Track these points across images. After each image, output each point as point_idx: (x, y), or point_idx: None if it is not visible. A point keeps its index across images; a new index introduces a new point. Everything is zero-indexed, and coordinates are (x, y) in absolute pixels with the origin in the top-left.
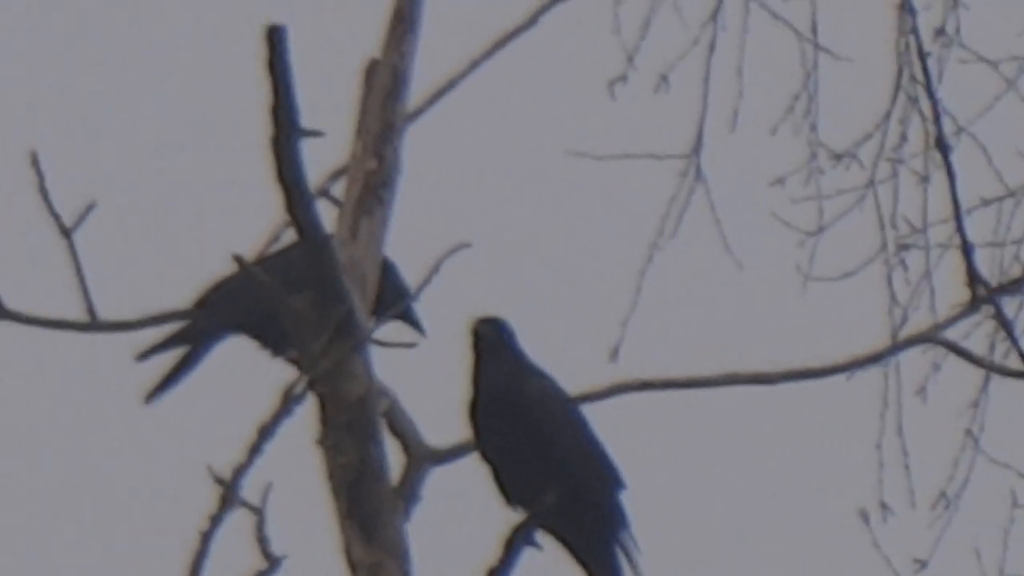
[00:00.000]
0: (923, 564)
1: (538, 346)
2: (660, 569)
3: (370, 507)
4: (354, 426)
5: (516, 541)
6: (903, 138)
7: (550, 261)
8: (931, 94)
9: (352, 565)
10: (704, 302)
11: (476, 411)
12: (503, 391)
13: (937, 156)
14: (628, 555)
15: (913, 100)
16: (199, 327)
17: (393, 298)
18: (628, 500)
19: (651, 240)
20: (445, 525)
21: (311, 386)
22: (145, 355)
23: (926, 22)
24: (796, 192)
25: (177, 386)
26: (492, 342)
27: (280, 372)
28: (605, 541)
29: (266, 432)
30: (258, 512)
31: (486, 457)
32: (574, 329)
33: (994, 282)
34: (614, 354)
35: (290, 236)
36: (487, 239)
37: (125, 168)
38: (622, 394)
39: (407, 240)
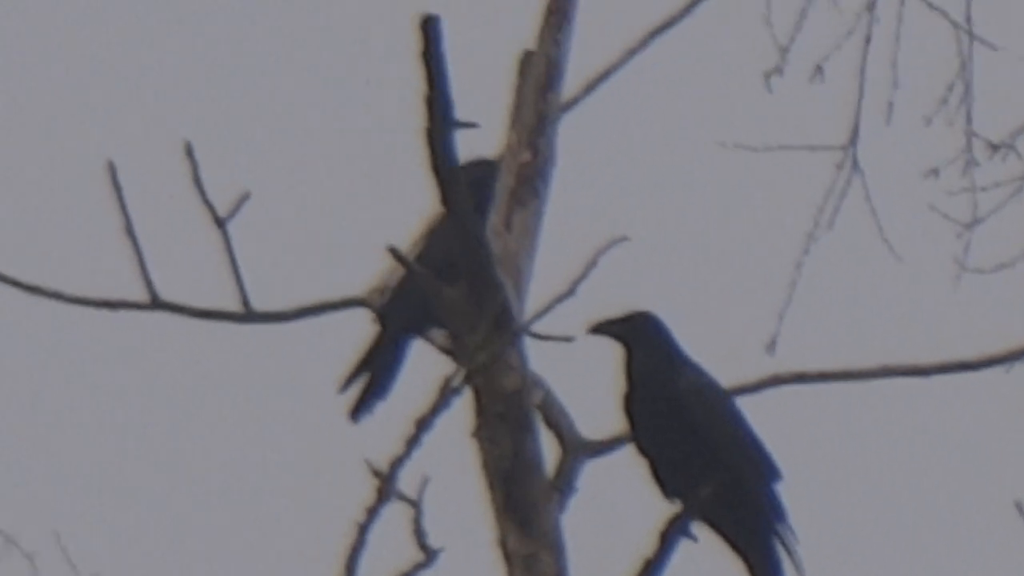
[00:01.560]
0: None
1: (695, 339)
2: (818, 561)
3: (525, 499)
4: (509, 418)
5: (672, 533)
6: None
7: (706, 254)
8: None
9: (507, 557)
10: (860, 294)
11: (631, 403)
12: (657, 383)
13: None
14: (786, 546)
15: None
16: (386, 341)
17: None
18: (785, 492)
19: (808, 232)
20: (600, 517)
21: (467, 378)
22: (346, 384)
23: None
24: (952, 183)
25: (381, 401)
26: (646, 335)
27: (437, 365)
28: (762, 533)
29: (423, 425)
30: (415, 505)
31: (641, 449)
32: (731, 322)
33: None
34: (771, 346)
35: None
36: (643, 232)
37: (279, 158)
38: (777, 386)
39: (561, 233)
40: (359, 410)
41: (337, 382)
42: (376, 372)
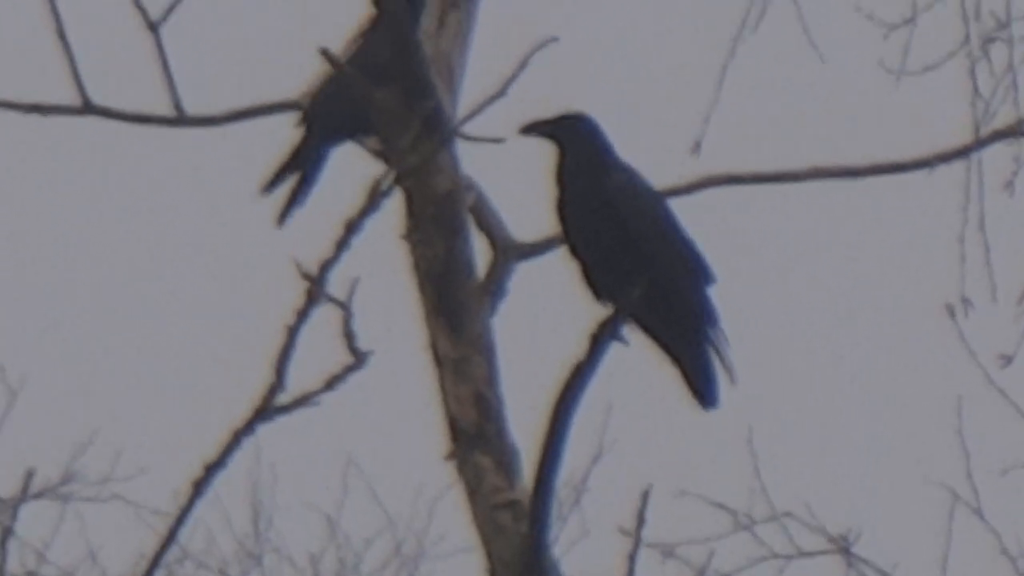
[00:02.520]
0: (1009, 359)
1: (622, 141)
2: (748, 364)
3: (456, 301)
4: (441, 220)
5: (603, 336)
6: None
7: (633, 56)
8: None
9: (438, 359)
10: (788, 96)
11: (562, 205)
12: (589, 184)
13: None
14: (717, 349)
15: None
16: (310, 144)
17: None
18: (717, 294)
19: (734, 33)
20: (531, 320)
21: (398, 180)
22: (269, 186)
23: None
24: None
25: (304, 204)
26: (578, 136)
27: (367, 167)
28: (694, 335)
29: (353, 227)
30: (345, 307)
31: (573, 251)
32: (657, 123)
33: None
34: (696, 148)
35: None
36: (573, 32)
37: None
38: (709, 188)
39: (493, 33)
40: (285, 214)
41: (259, 185)
42: (299, 177)
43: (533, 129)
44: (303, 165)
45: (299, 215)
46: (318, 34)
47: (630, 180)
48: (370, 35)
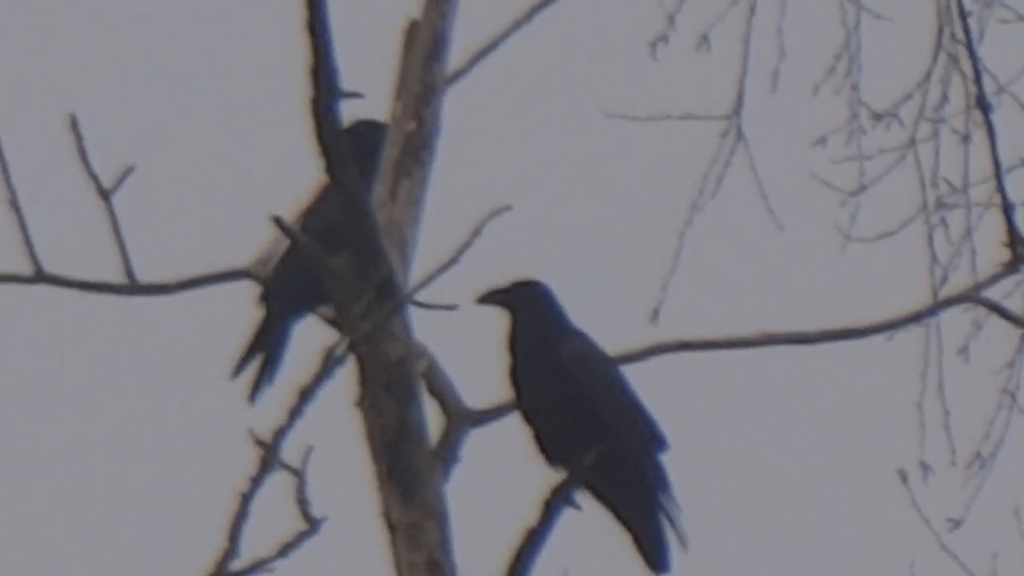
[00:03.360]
0: (958, 523)
1: (579, 308)
2: (701, 531)
3: (409, 468)
4: (393, 387)
5: (555, 502)
6: (944, 98)
7: (590, 223)
8: (972, 53)
9: (391, 526)
10: (745, 263)
11: (515, 371)
12: (542, 351)
13: (978, 115)
14: (669, 515)
15: (954, 59)
16: (273, 322)
17: None
18: (669, 461)
19: (691, 201)
20: (484, 486)
21: (351, 347)
22: (238, 369)
23: None
24: (837, 152)
25: (273, 382)
26: (533, 303)
27: (320, 334)
28: (646, 502)
29: (306, 394)
30: (298, 474)
31: (526, 417)
32: (614, 291)
33: None
34: (654, 315)
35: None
36: (528, 201)
37: (163, 130)
38: (661, 354)
39: (446, 202)
40: (255, 392)
41: (229, 367)
42: (266, 355)
43: (488, 299)
44: (268, 343)
45: (268, 391)
46: (269, 201)
47: (583, 346)
48: (322, 202)
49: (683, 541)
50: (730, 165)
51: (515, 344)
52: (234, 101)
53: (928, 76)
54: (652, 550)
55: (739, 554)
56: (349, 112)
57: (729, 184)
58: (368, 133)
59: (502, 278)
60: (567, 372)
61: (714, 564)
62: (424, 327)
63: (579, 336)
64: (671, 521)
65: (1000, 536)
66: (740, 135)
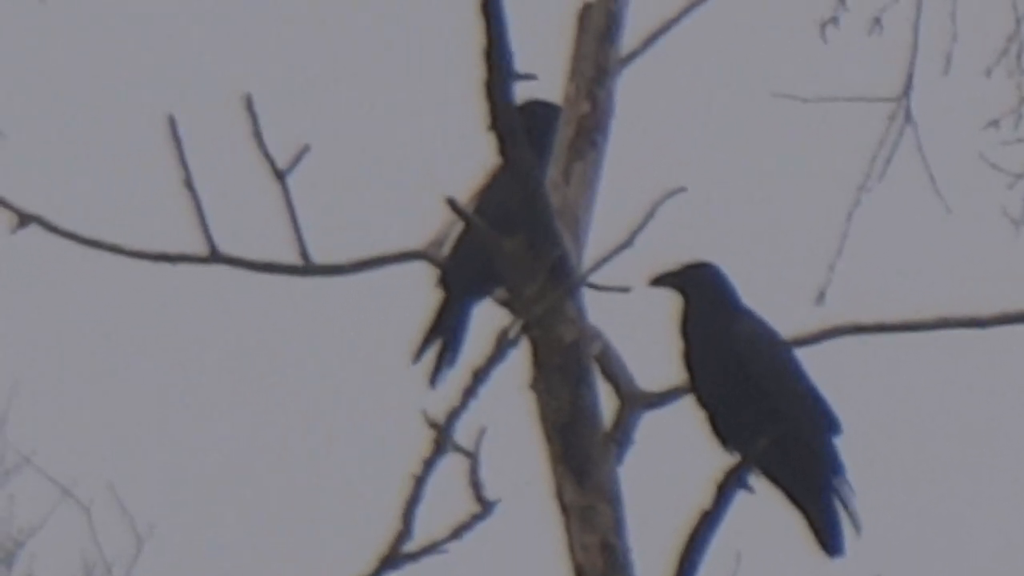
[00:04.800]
0: None
1: (749, 289)
2: (875, 515)
3: (582, 451)
4: (567, 370)
5: (729, 485)
6: None
7: (760, 204)
8: None
9: (564, 508)
10: (913, 245)
11: (689, 355)
12: (715, 334)
13: None
14: (843, 500)
15: None
16: (452, 305)
17: None
18: (844, 444)
19: (859, 183)
20: (657, 469)
21: (524, 330)
22: (419, 353)
23: None
24: (1006, 135)
25: (454, 364)
26: (705, 286)
27: (494, 316)
28: (820, 486)
29: (480, 376)
30: (472, 456)
31: (699, 401)
32: (782, 272)
33: None
34: (821, 297)
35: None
36: (700, 183)
37: (339, 110)
38: (836, 337)
39: (620, 184)
40: (435, 377)
41: (410, 353)
42: (446, 339)
43: (661, 281)
44: (448, 327)
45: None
46: (444, 182)
47: (757, 329)
48: (496, 184)
49: (857, 525)
50: (898, 147)
51: (688, 327)
52: (409, 82)
53: None
54: (825, 534)
55: (913, 540)
56: (523, 93)
57: (897, 166)
58: (542, 114)
59: (675, 260)
60: (741, 355)
61: (887, 548)
62: (597, 309)
63: (752, 318)
64: (845, 505)
65: None
66: (909, 117)
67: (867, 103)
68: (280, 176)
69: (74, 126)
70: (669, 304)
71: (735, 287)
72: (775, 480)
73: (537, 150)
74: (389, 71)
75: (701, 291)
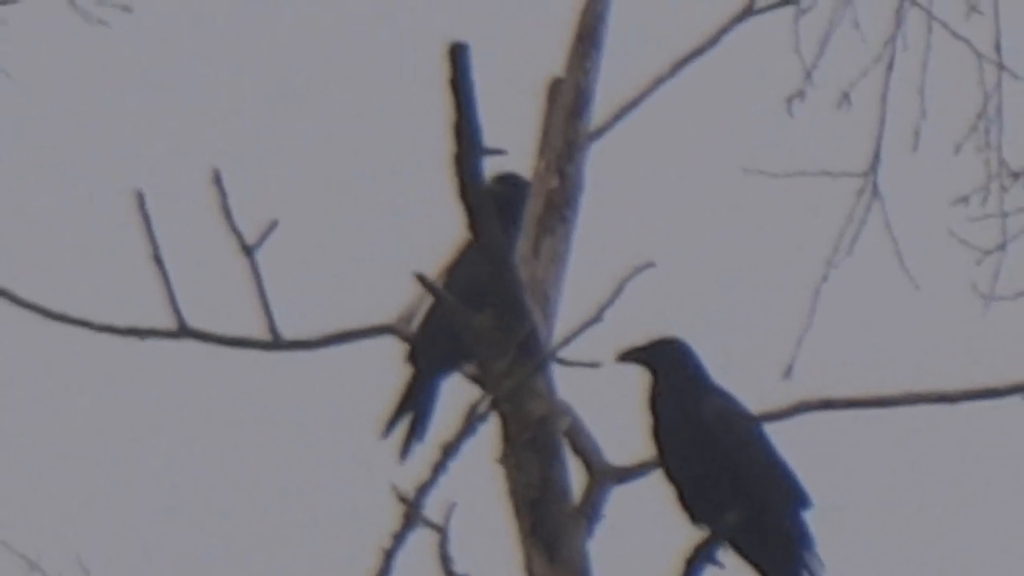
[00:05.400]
0: None
1: (716, 364)
2: None
3: (552, 525)
4: (536, 445)
5: (698, 559)
6: None
7: (729, 279)
8: None
9: None
10: (881, 321)
11: (658, 430)
12: (684, 409)
13: None
14: (812, 573)
15: None
16: (422, 380)
17: None
18: (813, 519)
19: (827, 257)
20: (627, 544)
21: (494, 405)
22: (388, 428)
23: None
24: (974, 211)
25: (423, 439)
26: (673, 361)
27: (464, 391)
28: (790, 560)
29: (450, 450)
30: (441, 530)
31: (668, 475)
32: (751, 347)
33: None
34: (789, 372)
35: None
36: (667, 258)
37: (306, 186)
38: (804, 413)
39: (589, 259)
40: (405, 451)
41: (380, 427)
42: (416, 413)
43: (628, 357)
44: (418, 401)
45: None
46: (413, 258)
47: (725, 404)
48: (465, 259)
49: None
50: (866, 222)
51: (656, 402)
52: (377, 157)
53: None
54: None
55: None
56: (493, 168)
57: (865, 241)
58: (511, 188)
59: (643, 336)
60: (710, 431)
61: None
62: (567, 385)
63: (721, 394)
64: None
65: None
66: (876, 192)
67: (835, 178)
68: (248, 251)
69: (41, 198)
70: (638, 379)
71: (703, 362)
72: (744, 555)
73: (507, 224)
74: (359, 145)
75: (669, 366)
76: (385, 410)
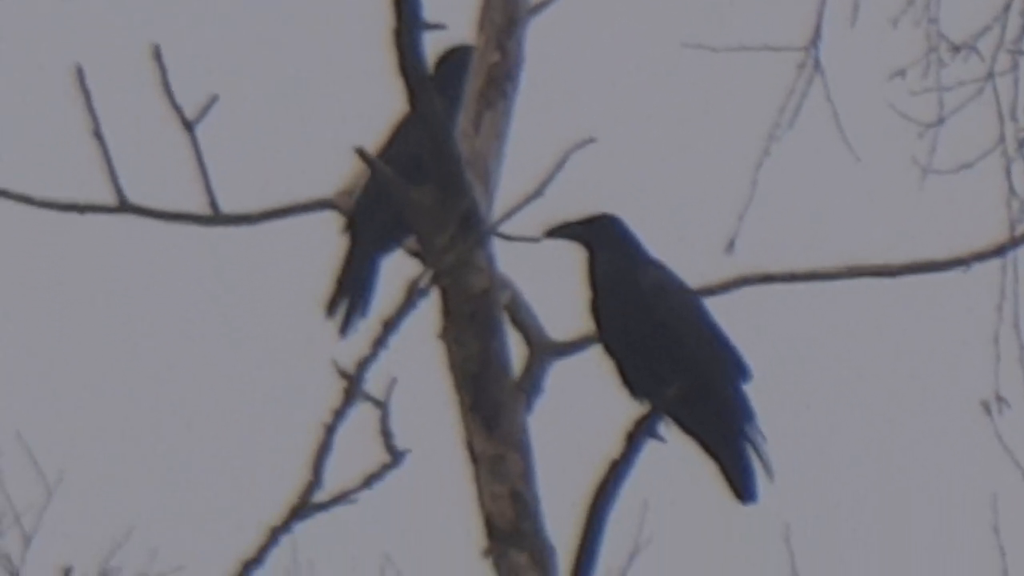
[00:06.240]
0: None
1: (658, 238)
2: (786, 460)
3: (492, 400)
4: (477, 319)
5: (639, 433)
6: (1023, 30)
7: (670, 153)
8: None
9: (474, 457)
10: (821, 195)
11: (596, 305)
12: (622, 284)
13: None
14: (754, 446)
15: None
16: (361, 254)
17: None
18: (753, 391)
19: (768, 132)
20: (567, 418)
21: (435, 279)
22: (331, 310)
23: None
24: (915, 84)
25: (366, 314)
26: (608, 237)
27: (404, 266)
28: (731, 432)
29: (390, 326)
30: (382, 406)
31: (608, 350)
32: (693, 221)
33: None
34: (730, 247)
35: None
36: (608, 133)
37: (247, 61)
38: (744, 287)
39: (530, 134)
40: (346, 327)
41: (321, 305)
42: (356, 289)
43: (561, 232)
44: (358, 277)
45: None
46: (353, 131)
47: (663, 278)
48: (405, 133)
49: (769, 471)
50: (807, 97)
51: (594, 277)
52: (317, 31)
53: (1007, 8)
54: (738, 480)
55: (823, 484)
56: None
57: (806, 116)
58: (452, 62)
59: (580, 211)
60: (648, 304)
61: (799, 494)
62: (507, 259)
63: (658, 268)
64: (756, 451)
65: None
66: (818, 67)
67: (776, 53)
68: (188, 126)
69: None
70: (578, 254)
71: (638, 238)
72: (686, 428)
73: (448, 99)
74: (298, 19)
75: (604, 242)
76: (326, 287)
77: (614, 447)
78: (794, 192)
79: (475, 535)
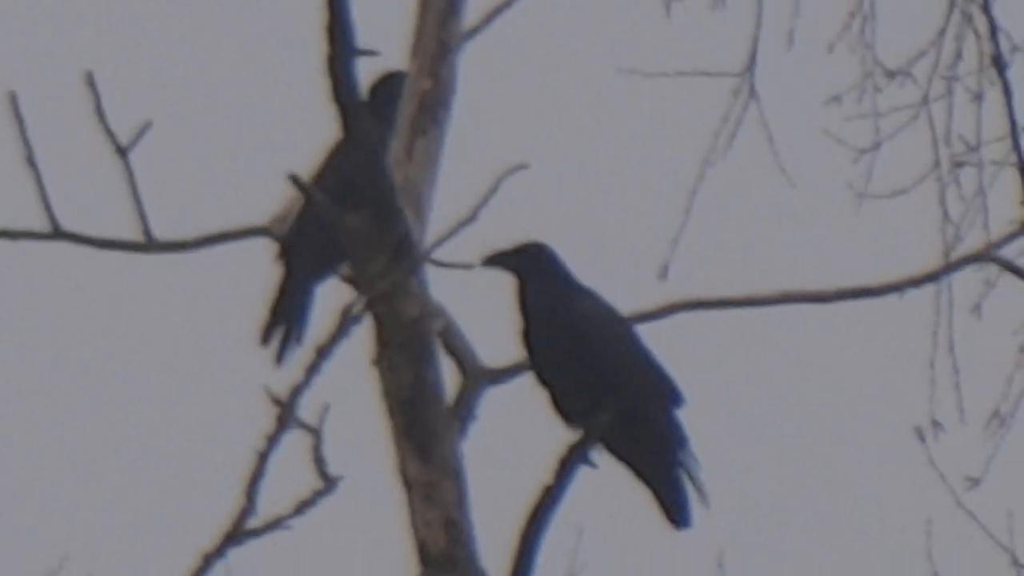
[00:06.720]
0: (976, 482)
1: (591, 264)
2: (720, 487)
3: (426, 426)
4: (410, 346)
5: (572, 460)
6: (958, 55)
7: (604, 179)
8: (987, 11)
9: (408, 484)
10: (756, 220)
11: (527, 333)
12: (552, 313)
13: (992, 73)
14: (688, 472)
15: (968, 17)
16: (295, 283)
17: None
18: (687, 417)
19: (703, 158)
20: (500, 445)
21: (368, 306)
22: (265, 338)
23: None
24: (850, 110)
25: (301, 343)
26: (538, 266)
27: (338, 293)
28: (664, 459)
29: (323, 352)
30: (315, 432)
31: (540, 378)
32: (625, 247)
33: None
34: (663, 273)
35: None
36: (542, 159)
37: (180, 88)
38: (677, 313)
39: (463, 160)
40: (281, 354)
41: (256, 332)
42: (290, 316)
43: (493, 261)
44: (292, 304)
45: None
46: (287, 158)
47: (595, 305)
48: (338, 159)
49: (703, 497)
50: (742, 122)
51: (525, 306)
52: (251, 57)
53: (942, 34)
54: (672, 506)
55: (758, 510)
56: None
57: (741, 142)
58: (385, 88)
59: (511, 239)
60: (580, 331)
61: (734, 520)
62: (440, 286)
63: (590, 295)
64: (690, 477)
65: (1018, 495)
66: (753, 92)
67: (711, 78)
68: (122, 152)
69: None
70: (510, 281)
71: (567, 266)
72: (619, 454)
73: (381, 125)
74: (233, 46)
75: (534, 270)
76: (260, 314)
77: (547, 473)
78: (729, 218)
79: (408, 562)
